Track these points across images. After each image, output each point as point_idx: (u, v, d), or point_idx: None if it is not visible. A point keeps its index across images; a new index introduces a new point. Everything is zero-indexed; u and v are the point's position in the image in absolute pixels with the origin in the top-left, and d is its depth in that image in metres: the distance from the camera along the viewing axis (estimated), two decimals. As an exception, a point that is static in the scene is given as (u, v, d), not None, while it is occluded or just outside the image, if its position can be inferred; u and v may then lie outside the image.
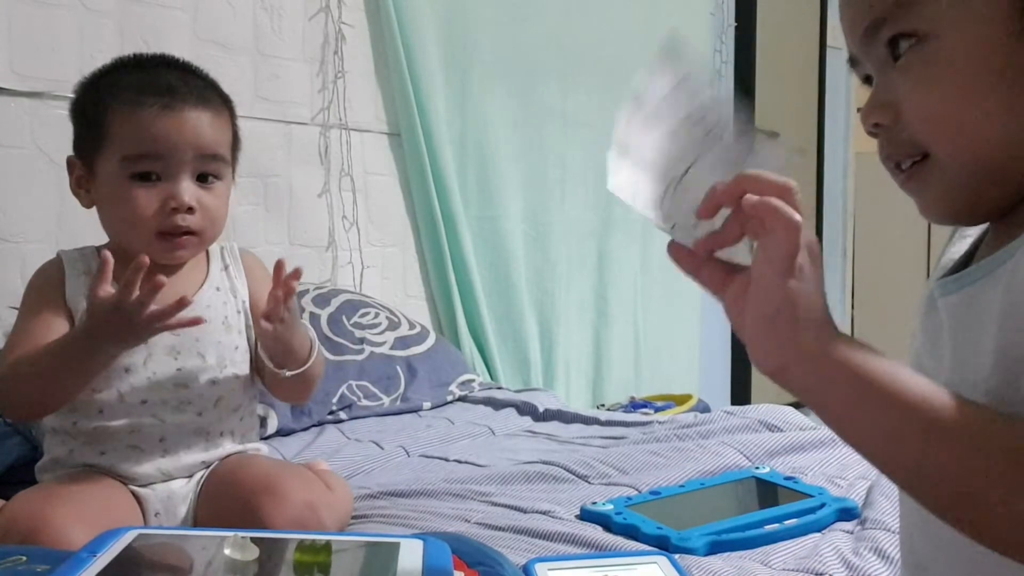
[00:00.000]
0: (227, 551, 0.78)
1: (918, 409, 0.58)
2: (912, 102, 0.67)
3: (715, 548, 1.12)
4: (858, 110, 0.70)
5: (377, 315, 2.06)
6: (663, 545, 1.11)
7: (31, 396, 1.12)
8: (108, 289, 1.05)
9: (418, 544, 0.83)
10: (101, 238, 1.27)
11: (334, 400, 1.83)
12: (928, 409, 0.58)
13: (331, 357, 1.88)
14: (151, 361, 1.18)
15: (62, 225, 1.77)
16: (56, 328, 1.16)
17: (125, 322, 1.04)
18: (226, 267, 1.30)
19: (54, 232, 1.77)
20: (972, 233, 0.76)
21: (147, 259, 1.04)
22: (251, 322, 1.28)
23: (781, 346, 0.61)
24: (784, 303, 0.60)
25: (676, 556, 1.03)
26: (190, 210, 1.18)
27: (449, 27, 2.43)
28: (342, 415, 1.81)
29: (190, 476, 1.19)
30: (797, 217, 0.60)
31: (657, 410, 2.53)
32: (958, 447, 0.57)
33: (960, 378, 0.64)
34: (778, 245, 0.60)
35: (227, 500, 1.11)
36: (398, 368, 1.98)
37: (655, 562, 0.98)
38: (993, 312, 0.63)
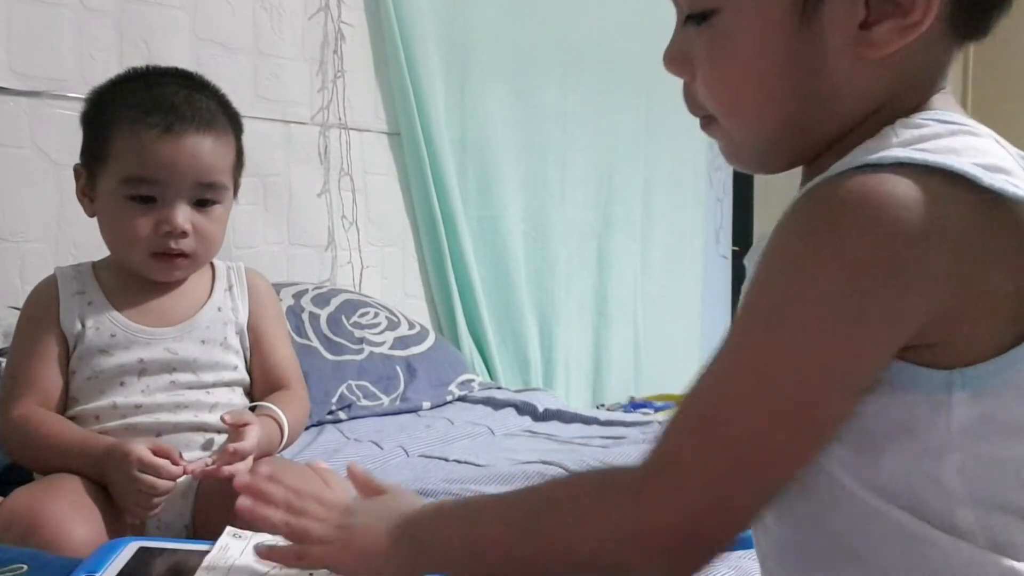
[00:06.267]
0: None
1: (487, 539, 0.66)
2: (702, 72, 0.67)
3: (715, 548, 1.12)
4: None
5: (376, 315, 2.06)
6: (663, 545, 1.11)
7: (24, 461, 1.20)
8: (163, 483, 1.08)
9: None
10: (100, 239, 1.26)
11: (333, 400, 1.82)
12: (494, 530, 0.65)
13: (330, 357, 1.88)
14: (146, 376, 1.19)
15: (61, 224, 1.77)
16: (52, 358, 1.19)
17: (128, 484, 1.07)
18: (230, 287, 1.30)
19: (53, 232, 1.77)
20: None
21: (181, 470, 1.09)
22: (248, 343, 1.28)
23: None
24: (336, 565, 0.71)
25: (675, 556, 1.02)
26: (184, 233, 1.19)
27: (449, 27, 2.43)
28: (341, 415, 1.81)
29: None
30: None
31: (657, 410, 2.53)
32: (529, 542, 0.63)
33: None
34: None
35: (226, 497, 1.10)
36: (397, 368, 1.98)
37: (654, 562, 0.98)
38: None
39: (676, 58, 0.69)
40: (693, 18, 0.66)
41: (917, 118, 0.61)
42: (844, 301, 0.55)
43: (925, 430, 0.57)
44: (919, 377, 0.57)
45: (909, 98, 0.63)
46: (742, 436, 0.57)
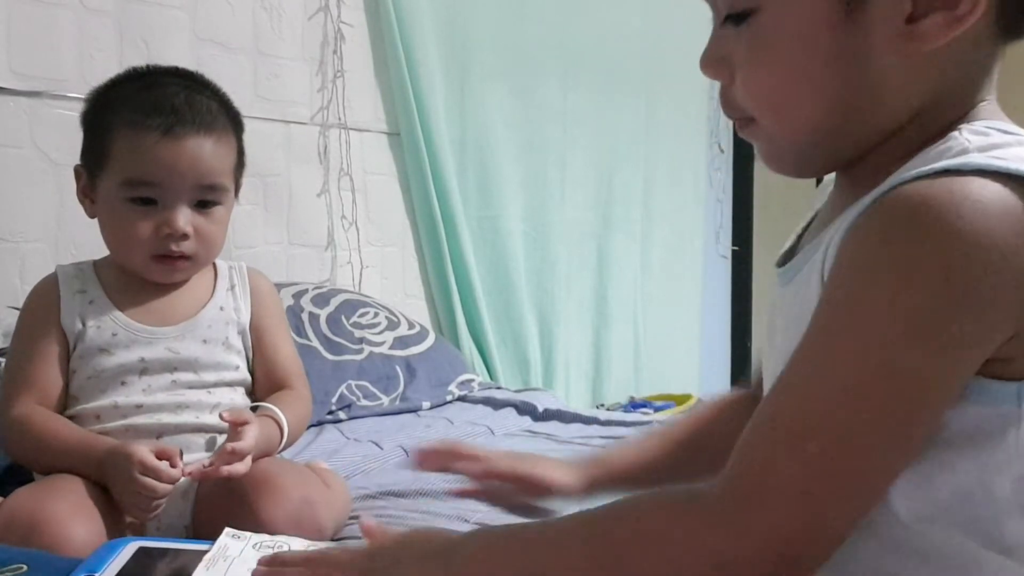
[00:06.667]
0: None
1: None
2: (743, 73, 0.65)
3: (714, 548, 1.12)
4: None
5: (376, 315, 2.06)
6: (662, 545, 1.11)
7: (24, 460, 1.20)
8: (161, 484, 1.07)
9: None
10: (100, 239, 1.26)
11: (333, 400, 1.82)
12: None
13: (330, 357, 1.88)
14: (147, 375, 1.19)
15: (61, 224, 1.77)
16: (53, 357, 1.18)
17: (128, 486, 1.06)
18: (232, 287, 1.29)
19: (53, 231, 1.77)
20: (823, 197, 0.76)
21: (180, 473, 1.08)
22: (251, 343, 1.28)
23: None
24: None
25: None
26: (184, 236, 1.19)
27: (449, 27, 2.43)
28: (341, 415, 1.81)
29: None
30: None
31: (657, 410, 2.53)
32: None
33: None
34: None
35: (225, 497, 1.11)
36: (397, 368, 1.98)
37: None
38: (808, 307, 0.61)
39: (714, 61, 0.67)
40: (732, 18, 0.65)
41: (980, 126, 0.60)
42: (938, 311, 0.54)
43: (993, 443, 0.56)
44: (989, 390, 0.56)
45: (955, 100, 0.62)
46: (837, 452, 0.55)
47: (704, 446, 0.88)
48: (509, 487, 0.88)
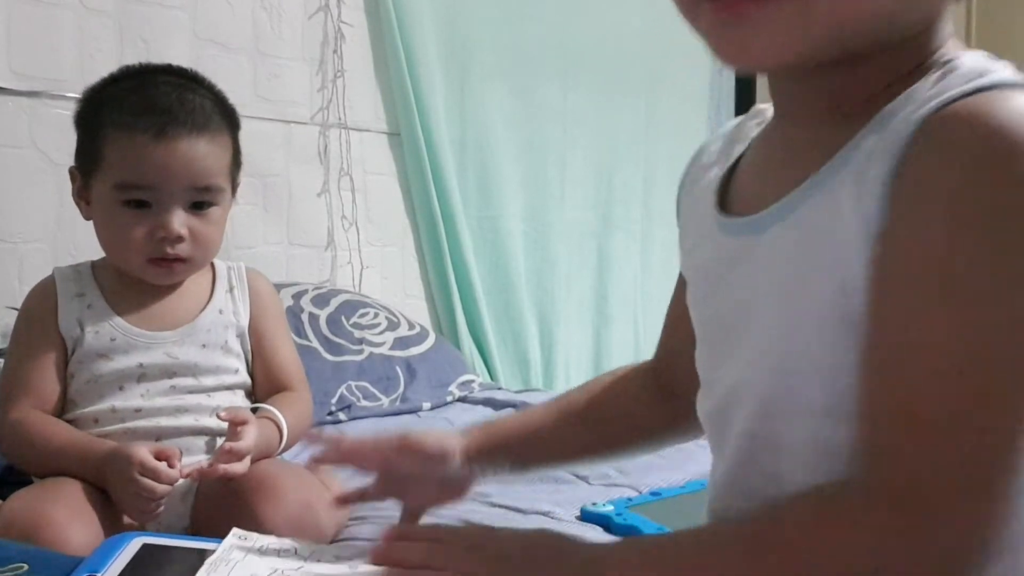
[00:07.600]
0: None
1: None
2: None
3: (715, 549, 1.12)
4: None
5: (376, 315, 2.06)
6: (663, 546, 1.11)
7: (20, 463, 1.19)
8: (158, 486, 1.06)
9: None
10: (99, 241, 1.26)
11: (333, 401, 1.82)
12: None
13: (330, 358, 1.88)
14: (145, 380, 1.18)
15: (60, 225, 1.76)
16: (50, 361, 1.18)
17: (127, 487, 1.06)
18: (231, 289, 1.28)
19: (52, 232, 1.77)
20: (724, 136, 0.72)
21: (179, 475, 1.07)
22: (250, 346, 1.27)
23: None
24: None
25: (676, 557, 1.02)
26: (180, 239, 1.18)
27: (449, 26, 2.43)
28: (341, 416, 1.81)
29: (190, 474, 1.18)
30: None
31: (657, 410, 2.52)
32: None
33: (791, 318, 0.58)
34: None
35: (224, 499, 1.10)
36: (397, 369, 1.98)
37: (655, 563, 0.98)
38: (831, 253, 0.56)
39: None
40: None
41: (966, 57, 0.56)
42: None
43: None
44: None
45: (940, 28, 0.58)
46: (1002, 439, 0.49)
47: (597, 418, 0.89)
48: (410, 462, 0.86)
